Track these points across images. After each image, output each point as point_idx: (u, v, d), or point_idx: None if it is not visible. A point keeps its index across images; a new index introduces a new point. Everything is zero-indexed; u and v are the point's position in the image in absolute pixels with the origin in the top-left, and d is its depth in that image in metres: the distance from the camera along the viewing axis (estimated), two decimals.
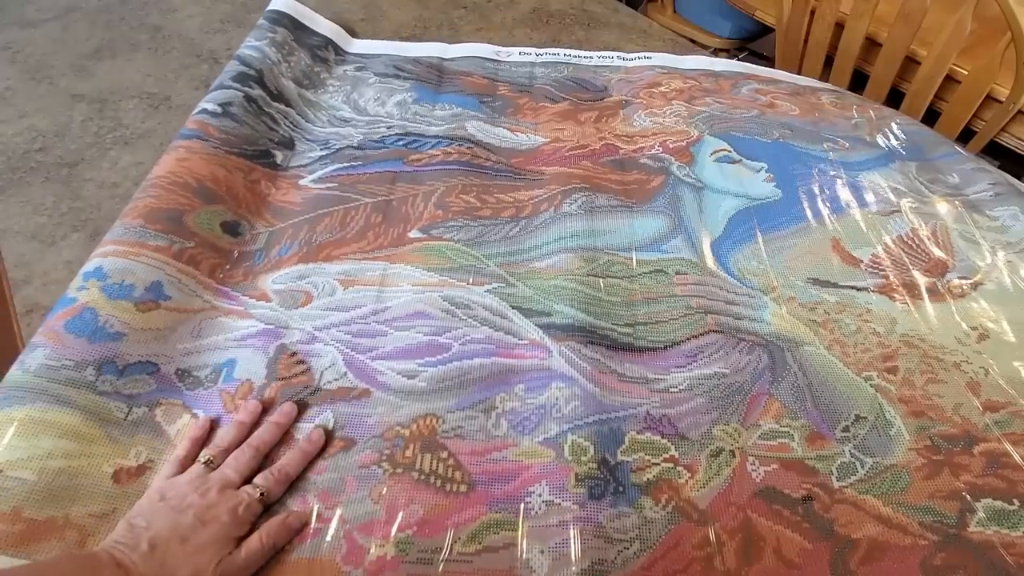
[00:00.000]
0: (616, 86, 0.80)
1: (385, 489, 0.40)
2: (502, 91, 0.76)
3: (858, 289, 0.55)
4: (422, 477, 0.41)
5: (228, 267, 0.52)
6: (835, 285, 0.56)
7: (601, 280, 0.54)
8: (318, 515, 0.39)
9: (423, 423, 0.44)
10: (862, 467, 0.43)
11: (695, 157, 0.68)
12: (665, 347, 0.50)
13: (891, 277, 0.56)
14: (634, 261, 0.56)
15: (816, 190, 0.64)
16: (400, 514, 0.39)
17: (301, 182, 0.61)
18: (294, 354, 0.47)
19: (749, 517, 0.41)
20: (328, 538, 0.38)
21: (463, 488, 0.41)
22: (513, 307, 0.51)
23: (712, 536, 0.40)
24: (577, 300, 0.52)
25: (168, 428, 0.42)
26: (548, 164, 0.65)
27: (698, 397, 0.47)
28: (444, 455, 0.42)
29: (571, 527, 0.39)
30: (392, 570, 0.37)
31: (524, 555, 0.38)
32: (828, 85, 0.85)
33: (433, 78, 0.77)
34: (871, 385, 0.48)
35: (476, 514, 0.40)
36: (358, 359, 0.47)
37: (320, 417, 0.44)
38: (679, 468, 0.43)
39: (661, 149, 0.69)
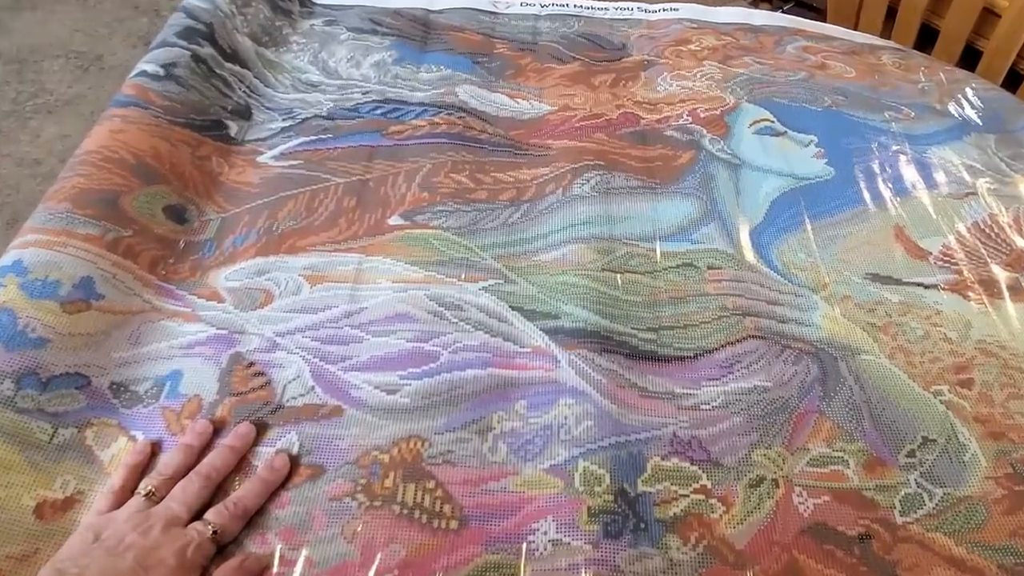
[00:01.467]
0: (636, 43, 0.80)
1: (360, 526, 0.40)
2: (500, 49, 0.76)
3: (926, 287, 0.55)
4: (404, 511, 0.41)
5: (172, 260, 0.52)
6: (898, 282, 0.55)
7: (619, 276, 0.54)
8: (280, 557, 0.39)
9: (405, 447, 0.43)
10: (930, 499, 0.43)
11: (731, 128, 0.68)
12: (695, 356, 0.50)
13: (965, 272, 0.56)
14: (658, 253, 0.56)
15: (875, 168, 0.64)
16: (378, 556, 0.39)
17: (259, 159, 0.60)
18: (251, 364, 0.46)
19: (795, 559, 0.40)
20: None
21: (453, 525, 0.41)
22: (513, 308, 0.51)
23: None
24: (590, 300, 0.52)
25: (101, 453, 0.42)
26: (555, 137, 0.65)
27: (734, 416, 0.46)
28: (431, 485, 0.42)
29: (583, 571, 0.39)
30: None
31: None
32: (890, 43, 0.85)
33: (417, 34, 0.76)
34: (941, 401, 0.48)
35: (469, 555, 0.39)
36: (328, 370, 0.47)
37: (283, 440, 0.43)
38: (712, 501, 0.42)
39: (691, 119, 0.69)
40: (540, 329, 0.50)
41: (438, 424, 0.45)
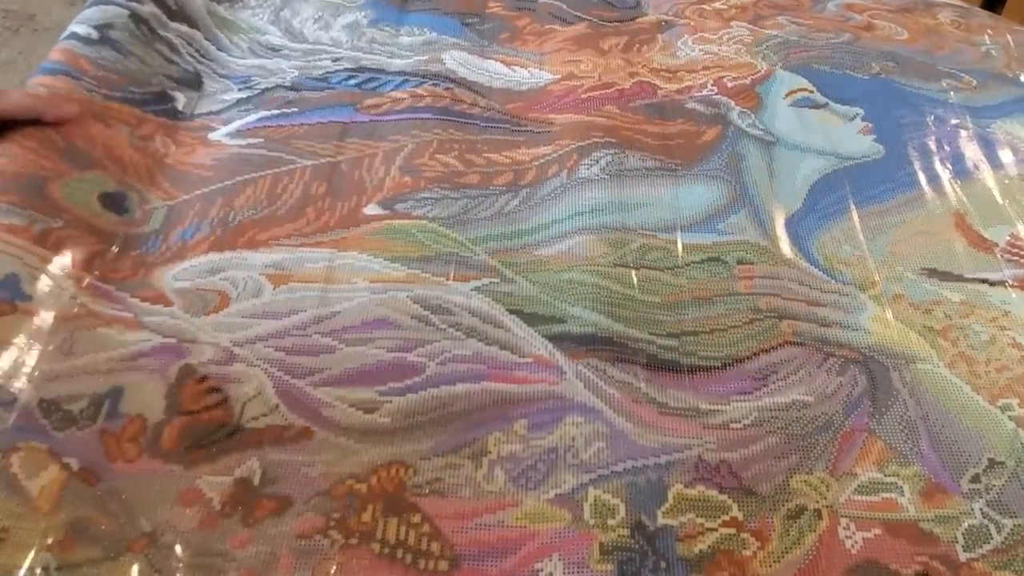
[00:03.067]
0: (653, 2, 0.81)
1: (334, 567, 0.40)
2: (493, 8, 0.77)
3: (991, 283, 0.56)
4: (386, 550, 0.41)
5: (110, 256, 0.52)
6: (959, 278, 0.56)
7: (634, 272, 0.54)
8: None
9: (386, 475, 0.44)
10: (998, 532, 0.43)
11: (763, 100, 0.68)
12: (723, 365, 0.50)
13: None
14: (679, 246, 0.57)
15: (932, 145, 0.65)
16: None
17: (212, 136, 0.61)
18: (204, 379, 0.47)
19: None
20: None
21: (443, 566, 0.41)
22: (511, 311, 0.51)
23: None
24: (600, 301, 0.52)
25: (28, 483, 0.42)
26: (558, 111, 0.66)
27: (770, 436, 0.47)
28: (416, 519, 0.42)
29: None
30: None
31: None
32: None
33: None
34: (1010, 417, 0.48)
35: None
36: (294, 385, 0.47)
37: (241, 468, 0.44)
38: (744, 535, 0.43)
39: (716, 89, 0.69)
40: (543, 336, 0.50)
41: (424, 448, 0.45)
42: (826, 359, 0.51)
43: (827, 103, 0.68)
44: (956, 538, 0.43)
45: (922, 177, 0.62)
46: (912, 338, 0.52)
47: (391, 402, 0.47)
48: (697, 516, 0.43)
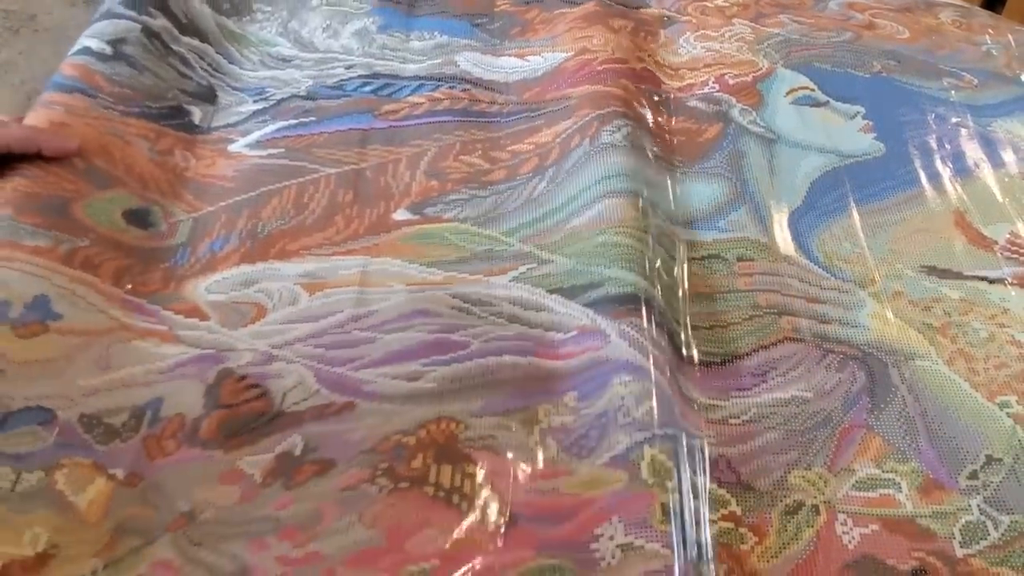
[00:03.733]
0: None
1: (383, 508, 0.40)
2: (501, 6, 0.77)
3: (991, 281, 0.56)
4: (440, 494, 0.41)
5: (139, 270, 0.52)
6: (959, 275, 0.56)
7: (658, 246, 0.54)
8: (281, 558, 0.39)
9: (436, 428, 0.44)
10: (995, 528, 0.43)
11: (764, 97, 0.69)
12: (722, 362, 0.50)
13: None
14: (679, 243, 0.57)
15: (932, 144, 0.65)
16: (411, 539, 0.39)
17: (231, 147, 0.60)
18: (243, 378, 0.46)
19: None
20: None
21: (500, 521, 0.41)
22: (552, 291, 0.52)
23: None
24: (635, 262, 0.52)
25: (75, 498, 0.42)
26: (575, 84, 0.66)
27: (769, 432, 0.47)
28: (470, 469, 0.42)
29: None
30: None
31: None
32: None
33: None
34: (1008, 414, 0.48)
35: (518, 559, 0.39)
36: (335, 372, 0.47)
37: (283, 444, 0.43)
38: (742, 530, 0.43)
39: (718, 87, 0.70)
40: (583, 304, 0.50)
41: (474, 407, 0.45)
42: (825, 355, 0.51)
43: (828, 101, 0.68)
44: (953, 534, 0.43)
45: (922, 175, 0.63)
46: (911, 335, 0.52)
47: (436, 371, 0.47)
48: (701, 505, 0.43)
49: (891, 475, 0.45)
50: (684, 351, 0.50)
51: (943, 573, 0.41)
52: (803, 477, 0.45)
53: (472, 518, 0.40)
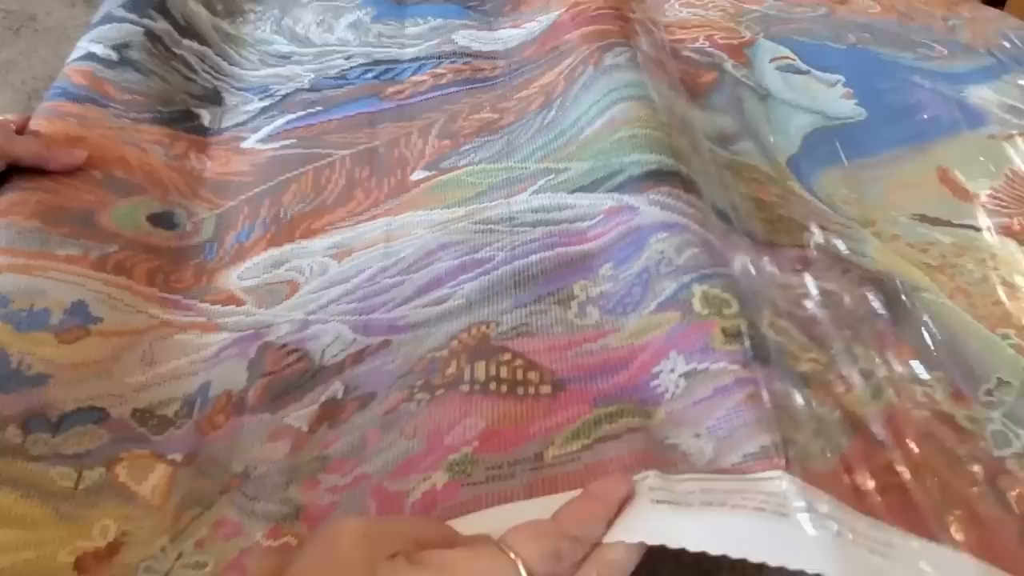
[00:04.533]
0: None
1: (422, 418, 0.40)
2: None
3: (977, 229, 0.57)
4: (476, 387, 0.41)
5: (171, 269, 0.52)
6: (948, 223, 0.57)
7: (679, 138, 0.54)
8: (331, 488, 0.39)
9: (467, 336, 0.44)
10: (1017, 439, 0.44)
11: (751, 60, 0.70)
12: (764, 243, 0.51)
13: (1017, 217, 0.58)
14: (703, 142, 0.57)
15: (911, 108, 0.67)
16: (450, 434, 0.39)
17: (244, 144, 0.61)
18: (284, 346, 0.47)
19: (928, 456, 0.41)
20: (343, 509, 0.38)
21: (545, 390, 0.40)
22: (573, 192, 0.51)
23: (898, 467, 0.39)
24: (658, 145, 0.51)
25: (139, 487, 0.42)
26: (572, 30, 0.66)
27: (821, 309, 0.48)
28: (506, 357, 0.42)
29: (737, 392, 0.37)
30: (448, 499, 0.37)
31: (668, 440, 0.37)
32: None
33: None
34: (1010, 345, 0.49)
35: (574, 415, 0.39)
36: (370, 318, 0.47)
37: (325, 394, 0.44)
38: (829, 376, 0.43)
39: (708, 43, 0.71)
40: (607, 191, 0.50)
41: (504, 306, 0.45)
42: (845, 271, 0.52)
43: (809, 71, 0.70)
44: (985, 436, 0.43)
45: (905, 136, 0.64)
46: (913, 272, 0.53)
47: (463, 288, 0.47)
48: (787, 343, 0.43)
49: (926, 376, 0.46)
50: (732, 221, 0.51)
51: (990, 467, 0.41)
52: (863, 353, 0.46)
53: (512, 395, 0.40)
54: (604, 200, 0.50)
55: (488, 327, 0.44)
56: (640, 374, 0.40)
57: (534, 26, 0.70)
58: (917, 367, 0.46)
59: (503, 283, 0.47)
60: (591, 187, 0.51)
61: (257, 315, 0.49)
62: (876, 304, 0.50)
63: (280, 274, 0.51)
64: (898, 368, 0.46)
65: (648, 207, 0.47)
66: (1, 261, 0.48)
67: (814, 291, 0.49)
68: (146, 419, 0.45)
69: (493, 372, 0.41)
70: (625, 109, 0.55)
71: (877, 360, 0.46)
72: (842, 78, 0.68)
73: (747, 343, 0.39)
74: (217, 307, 0.50)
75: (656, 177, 0.49)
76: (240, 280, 0.51)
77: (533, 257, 0.48)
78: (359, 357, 0.45)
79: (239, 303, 0.50)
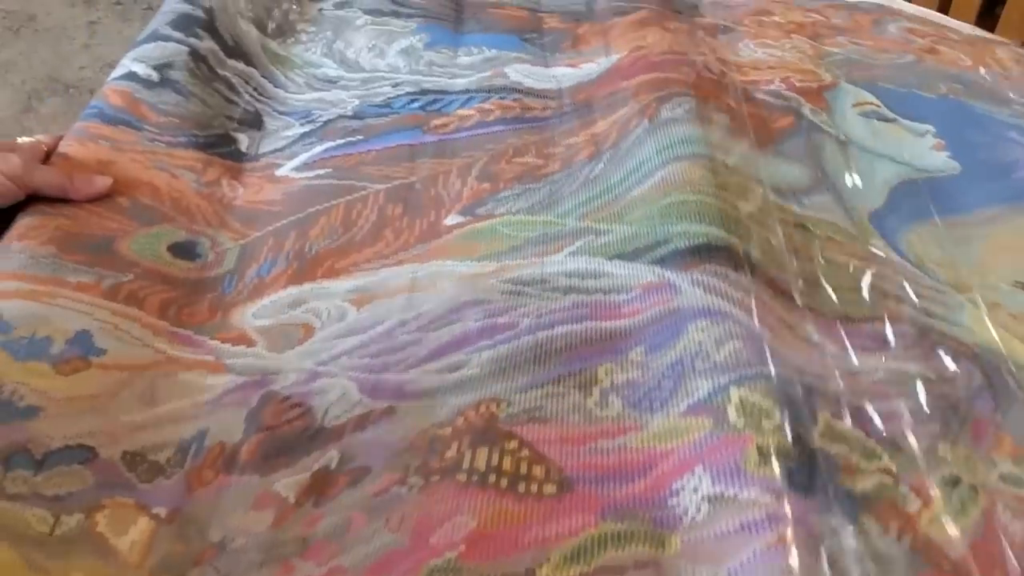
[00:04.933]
0: (708, 8, 0.80)
1: (410, 508, 0.37)
2: (550, 23, 0.76)
3: None
4: (474, 478, 0.37)
5: (185, 302, 0.50)
6: None
7: (738, 202, 0.51)
8: None
9: (474, 414, 0.40)
10: None
11: (832, 105, 0.66)
12: (838, 319, 0.47)
13: None
14: (770, 201, 0.53)
15: (1009, 166, 0.62)
16: (436, 532, 0.36)
17: (278, 172, 0.59)
18: (287, 399, 0.44)
19: None
20: None
21: (550, 489, 0.37)
22: (612, 258, 0.48)
23: None
24: (709, 214, 0.48)
25: (117, 541, 0.39)
26: (630, 76, 0.63)
27: (903, 399, 0.43)
28: (512, 445, 0.38)
29: (768, 531, 0.33)
30: None
31: None
32: (999, 38, 0.84)
33: (449, 13, 0.76)
34: None
35: (578, 525, 0.35)
36: (380, 378, 0.44)
37: (320, 461, 0.41)
38: (903, 489, 0.38)
39: (784, 86, 0.67)
40: (648, 263, 0.47)
41: (520, 383, 0.41)
42: (936, 346, 0.47)
43: (896, 119, 0.66)
44: None
45: (1003, 195, 0.60)
46: (1016, 345, 0.49)
47: (480, 355, 0.43)
48: (851, 451, 0.39)
49: None
50: (796, 298, 0.47)
51: None
52: (951, 452, 0.41)
53: (511, 492, 0.36)
54: (644, 273, 0.46)
55: (498, 406, 0.40)
56: (659, 487, 0.36)
57: (592, 67, 0.67)
58: (1017, 467, 0.41)
59: (522, 355, 0.43)
60: (632, 255, 0.48)
61: (267, 359, 0.47)
62: (975, 384, 0.45)
63: (296, 315, 0.49)
64: (996, 470, 0.41)
65: (691, 288, 0.44)
66: (11, 286, 0.46)
67: (892, 377, 0.44)
68: (136, 463, 0.42)
69: (495, 462, 0.38)
70: (678, 170, 0.52)
71: (968, 461, 0.40)
72: (932, 128, 0.64)
73: (786, 467, 0.35)
74: (227, 346, 0.48)
75: (704, 253, 0.46)
76: (254, 318, 0.49)
77: (559, 329, 0.44)
78: (361, 423, 0.42)
79: (250, 343, 0.48)
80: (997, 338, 0.49)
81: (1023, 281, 0.53)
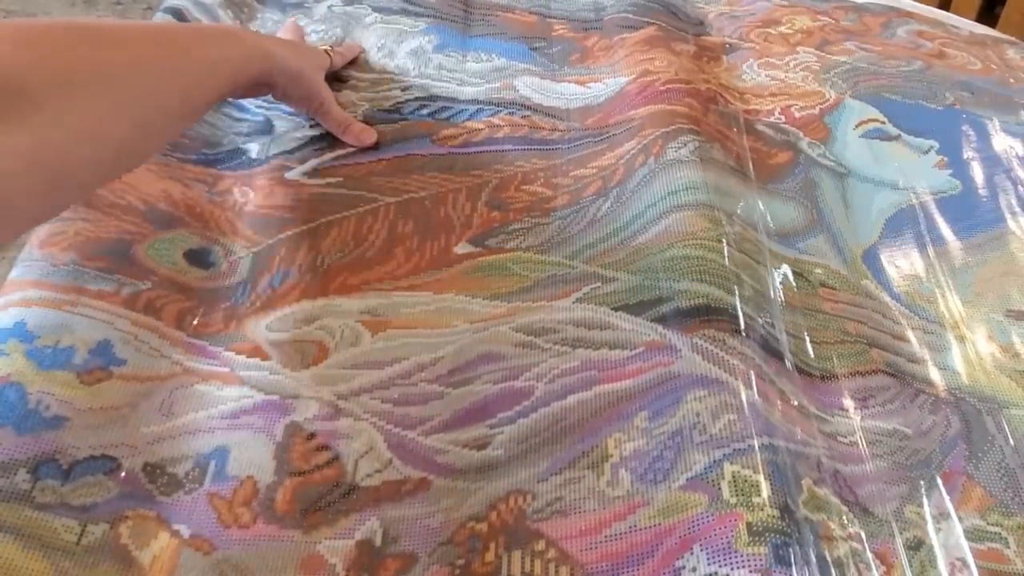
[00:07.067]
0: (716, 22, 0.80)
1: None
2: (559, 31, 0.75)
3: None
4: None
5: (202, 311, 0.51)
6: None
7: (737, 254, 0.52)
8: None
9: (505, 507, 0.42)
10: None
11: (832, 131, 0.67)
12: (821, 377, 0.49)
13: None
14: (765, 249, 0.55)
15: (1013, 181, 0.63)
16: None
17: (288, 175, 0.59)
18: (312, 436, 0.45)
19: None
20: None
21: None
22: (616, 309, 0.50)
23: None
24: (709, 272, 0.50)
25: (139, 554, 0.41)
26: (637, 106, 0.64)
27: (877, 459, 0.45)
28: (540, 546, 0.41)
29: None
30: None
31: None
32: (1009, 37, 0.84)
33: (458, 14, 0.76)
34: None
35: None
36: (406, 437, 0.45)
37: (362, 529, 0.42)
38: (868, 555, 0.40)
39: (783, 118, 0.68)
40: (650, 320, 0.49)
41: (541, 470, 0.43)
42: (917, 394, 0.49)
43: (899, 135, 0.66)
44: None
45: (1004, 214, 0.60)
46: (1003, 382, 0.50)
47: (502, 432, 0.45)
48: (828, 519, 0.41)
49: (996, 529, 0.43)
50: (786, 359, 0.48)
51: None
52: (917, 513, 0.43)
53: None
54: (646, 330, 0.48)
55: (524, 500, 0.42)
56: (665, 565, 0.39)
57: (600, 88, 0.67)
58: (984, 520, 0.43)
59: (539, 434, 0.45)
60: (636, 308, 0.50)
61: (281, 376, 0.48)
62: (951, 433, 0.47)
63: (310, 332, 0.50)
64: (960, 525, 0.43)
65: (690, 353, 0.46)
66: (33, 295, 0.47)
67: (869, 436, 0.46)
68: (156, 475, 0.44)
69: (528, 568, 0.40)
70: (682, 220, 0.53)
71: (932, 522, 0.43)
72: (936, 144, 0.65)
73: (773, 544, 0.38)
74: (241, 358, 0.49)
75: (703, 315, 0.48)
76: (268, 331, 0.50)
77: (571, 399, 0.46)
78: (397, 493, 0.43)
79: (264, 357, 0.49)
80: (984, 379, 0.50)
81: (1015, 310, 0.54)
